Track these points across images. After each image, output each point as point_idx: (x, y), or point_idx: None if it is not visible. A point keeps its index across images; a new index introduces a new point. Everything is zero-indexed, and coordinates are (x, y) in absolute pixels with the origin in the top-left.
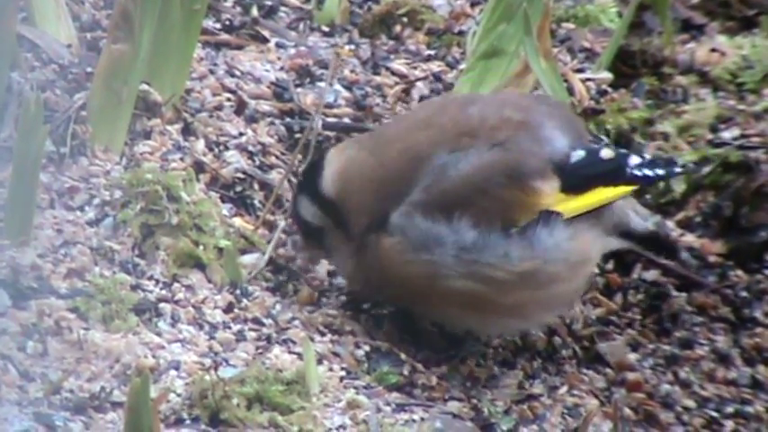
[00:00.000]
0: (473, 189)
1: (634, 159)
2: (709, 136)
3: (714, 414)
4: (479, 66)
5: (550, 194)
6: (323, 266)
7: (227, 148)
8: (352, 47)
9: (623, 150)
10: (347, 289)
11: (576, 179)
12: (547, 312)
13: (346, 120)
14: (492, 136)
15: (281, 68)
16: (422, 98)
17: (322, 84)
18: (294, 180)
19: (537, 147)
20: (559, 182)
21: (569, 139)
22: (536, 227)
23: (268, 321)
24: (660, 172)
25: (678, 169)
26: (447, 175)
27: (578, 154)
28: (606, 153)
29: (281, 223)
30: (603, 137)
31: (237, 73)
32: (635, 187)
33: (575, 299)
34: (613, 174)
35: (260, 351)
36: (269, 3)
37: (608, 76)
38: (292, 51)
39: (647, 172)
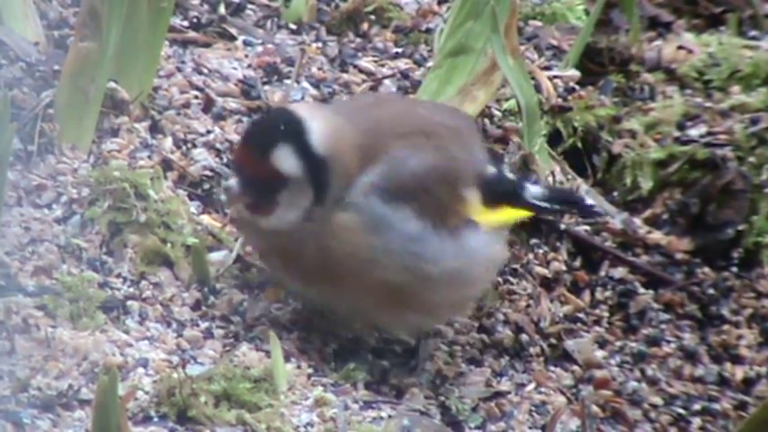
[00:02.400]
0: (419, 185)
1: (530, 186)
2: (676, 133)
3: (681, 411)
4: (447, 63)
5: (473, 205)
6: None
7: (194, 146)
8: (320, 44)
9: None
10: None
11: (490, 194)
12: (453, 312)
13: None
14: (438, 141)
15: (249, 66)
16: None
17: (289, 81)
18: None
19: (466, 156)
20: (480, 194)
21: (484, 156)
22: (463, 230)
23: (236, 319)
24: (548, 205)
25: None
26: (401, 167)
27: (491, 170)
28: (510, 176)
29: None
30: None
31: (205, 71)
32: (532, 213)
33: (476, 298)
34: (515, 195)
35: (228, 349)
36: (236, 1)
37: (575, 73)
38: (260, 49)
39: (543, 204)
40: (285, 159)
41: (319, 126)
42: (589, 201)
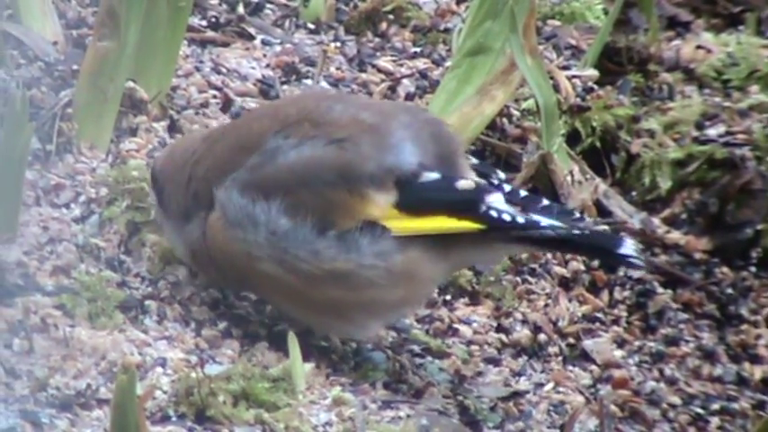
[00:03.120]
0: (296, 179)
1: (495, 198)
2: (695, 133)
3: (700, 411)
4: (465, 63)
5: (381, 206)
6: None
7: None
8: (338, 44)
9: (489, 184)
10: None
11: (416, 199)
12: (371, 318)
13: None
14: (333, 132)
15: (267, 66)
16: (408, 95)
17: (308, 81)
18: None
19: (378, 153)
20: (396, 196)
21: (423, 158)
22: (356, 234)
23: (254, 318)
24: (521, 221)
25: (546, 225)
26: (275, 159)
27: (430, 175)
28: (463, 184)
29: None
30: (497, 171)
31: (223, 70)
32: (482, 226)
33: (405, 308)
34: (463, 206)
35: (246, 348)
36: (255, 0)
37: (594, 73)
38: (278, 49)
39: (506, 216)
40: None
41: (167, 147)
42: (627, 249)
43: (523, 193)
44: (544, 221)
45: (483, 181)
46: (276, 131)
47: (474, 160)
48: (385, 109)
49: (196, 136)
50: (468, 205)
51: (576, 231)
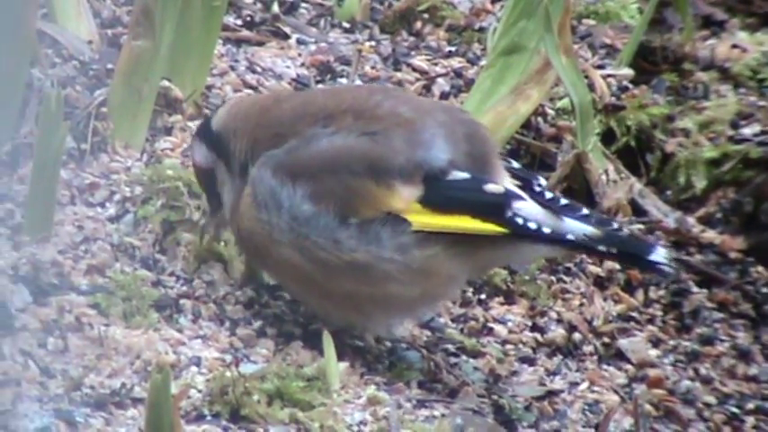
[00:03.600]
0: (324, 166)
1: (523, 205)
2: (730, 132)
3: (735, 410)
4: (500, 62)
5: (405, 199)
6: None
7: None
8: (373, 43)
9: (519, 191)
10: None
11: (442, 197)
12: (385, 314)
13: None
14: (369, 124)
15: (302, 65)
16: (442, 94)
17: (343, 80)
18: None
19: (409, 147)
20: (422, 191)
21: (454, 156)
22: (377, 225)
23: (289, 317)
24: (547, 231)
25: (571, 237)
26: (309, 145)
27: (459, 174)
28: (492, 187)
29: None
30: (539, 177)
31: (258, 69)
32: (505, 231)
33: (421, 306)
34: (488, 209)
35: (281, 347)
36: None
37: (629, 72)
38: (313, 48)
39: (532, 224)
40: (197, 151)
41: (222, 110)
42: (658, 256)
43: (564, 201)
44: (573, 233)
45: (513, 188)
46: (320, 119)
47: (516, 164)
48: (424, 106)
49: (256, 100)
50: (493, 209)
51: (606, 241)
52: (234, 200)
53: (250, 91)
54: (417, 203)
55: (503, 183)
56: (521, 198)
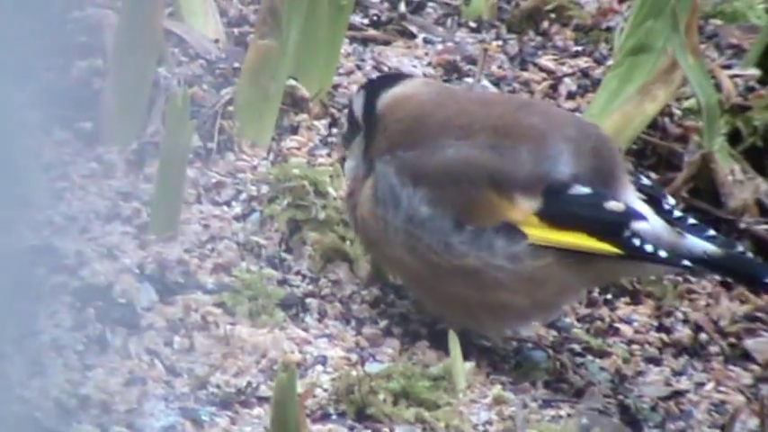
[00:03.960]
0: (447, 174)
1: (643, 225)
2: None
3: None
4: (627, 62)
5: (524, 211)
6: None
7: None
8: (500, 42)
9: (642, 214)
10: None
11: (560, 211)
12: (496, 320)
13: None
14: (499, 137)
15: (429, 64)
16: (569, 94)
17: (469, 79)
18: None
19: (533, 161)
20: (541, 204)
21: (578, 170)
22: (492, 234)
23: (415, 317)
24: (663, 254)
25: (686, 263)
26: (436, 152)
27: (581, 189)
28: (613, 205)
29: None
30: (668, 195)
31: (385, 68)
32: (620, 252)
33: (532, 316)
34: (606, 228)
35: (406, 347)
36: None
37: (755, 72)
38: (440, 47)
39: (648, 247)
40: (357, 103)
41: (397, 90)
42: None
43: (692, 221)
44: (692, 252)
45: (636, 206)
46: (463, 129)
47: (646, 181)
48: (556, 119)
49: (423, 101)
50: (612, 228)
51: (725, 261)
52: (354, 179)
53: None
54: (534, 216)
55: (626, 199)
56: (642, 218)
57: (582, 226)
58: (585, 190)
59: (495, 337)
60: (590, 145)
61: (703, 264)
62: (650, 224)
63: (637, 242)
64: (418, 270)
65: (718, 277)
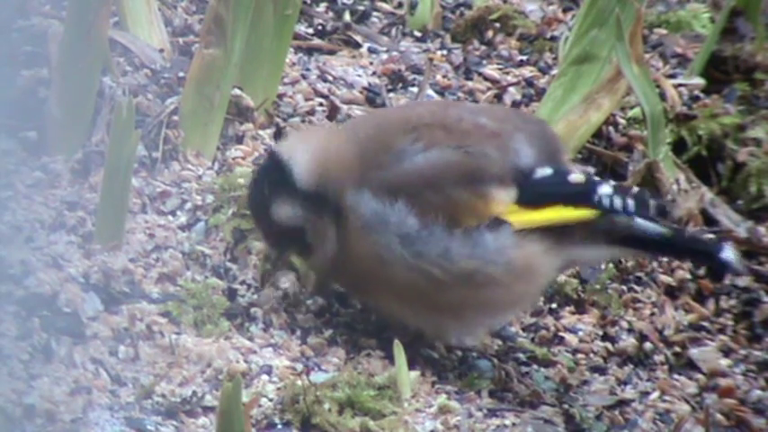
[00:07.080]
0: (424, 182)
1: (605, 189)
2: None
3: None
4: (571, 71)
5: (504, 203)
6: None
7: None
8: (445, 52)
9: (597, 178)
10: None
11: (534, 194)
12: (484, 316)
13: None
14: (461, 139)
15: (374, 73)
16: (514, 103)
17: (414, 89)
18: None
19: (502, 156)
20: (517, 193)
21: (537, 155)
22: (482, 229)
23: (360, 326)
24: (632, 208)
25: (656, 226)
26: (403, 163)
27: (544, 171)
28: (575, 177)
29: None
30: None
31: (330, 78)
32: (597, 213)
33: (516, 309)
34: (577, 196)
35: (352, 356)
36: (361, 8)
37: (700, 81)
38: (384, 56)
39: (617, 203)
40: (283, 213)
41: (301, 160)
42: (727, 254)
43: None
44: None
45: (592, 174)
46: (406, 135)
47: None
48: (498, 114)
49: (338, 140)
50: (582, 196)
51: (677, 240)
52: (333, 241)
53: (322, 99)
54: (514, 204)
55: (581, 171)
56: (603, 183)
57: (556, 201)
58: (548, 170)
59: (483, 335)
60: (535, 130)
61: (659, 244)
62: (611, 187)
63: (606, 201)
64: (417, 285)
65: (674, 259)
